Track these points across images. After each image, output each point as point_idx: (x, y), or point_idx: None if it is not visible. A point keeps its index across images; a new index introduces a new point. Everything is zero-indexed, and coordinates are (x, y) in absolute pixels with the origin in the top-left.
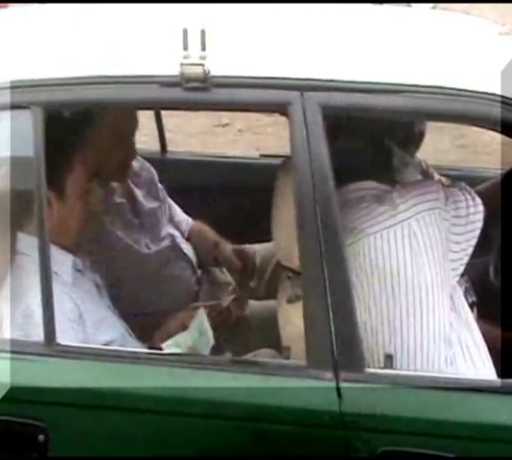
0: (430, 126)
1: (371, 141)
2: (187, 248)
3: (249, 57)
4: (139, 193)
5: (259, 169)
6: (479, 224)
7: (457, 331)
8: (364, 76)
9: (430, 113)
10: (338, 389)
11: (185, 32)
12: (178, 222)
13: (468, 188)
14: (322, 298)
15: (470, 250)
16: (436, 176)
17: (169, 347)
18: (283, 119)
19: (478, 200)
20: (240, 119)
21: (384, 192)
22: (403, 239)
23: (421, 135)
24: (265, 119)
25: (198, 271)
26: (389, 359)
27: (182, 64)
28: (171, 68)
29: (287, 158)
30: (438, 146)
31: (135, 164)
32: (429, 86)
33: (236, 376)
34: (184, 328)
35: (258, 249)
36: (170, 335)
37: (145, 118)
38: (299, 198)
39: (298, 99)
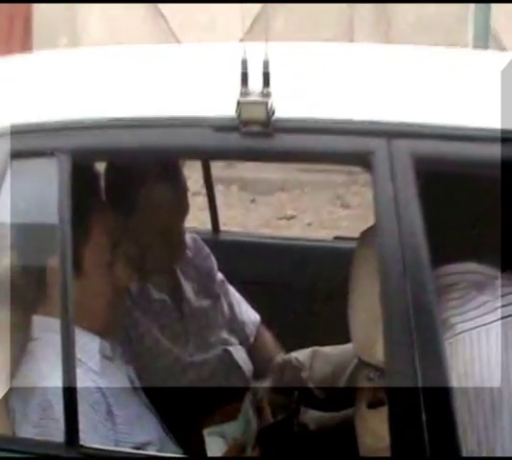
0: None
1: (474, 207)
2: (243, 359)
3: (321, 97)
4: (189, 287)
5: (332, 254)
6: None
7: None
8: (466, 120)
9: None
10: None
11: (244, 62)
12: (242, 324)
13: None
14: (413, 401)
15: None
16: None
17: (211, 435)
18: (360, 211)
19: None
20: (309, 211)
21: (486, 277)
22: (506, 340)
23: None
24: (339, 211)
25: (253, 385)
26: None
27: (240, 103)
28: (225, 108)
29: (366, 229)
30: None
31: (189, 251)
32: None
33: None
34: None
35: (332, 353)
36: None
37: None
38: (384, 275)
39: (384, 147)
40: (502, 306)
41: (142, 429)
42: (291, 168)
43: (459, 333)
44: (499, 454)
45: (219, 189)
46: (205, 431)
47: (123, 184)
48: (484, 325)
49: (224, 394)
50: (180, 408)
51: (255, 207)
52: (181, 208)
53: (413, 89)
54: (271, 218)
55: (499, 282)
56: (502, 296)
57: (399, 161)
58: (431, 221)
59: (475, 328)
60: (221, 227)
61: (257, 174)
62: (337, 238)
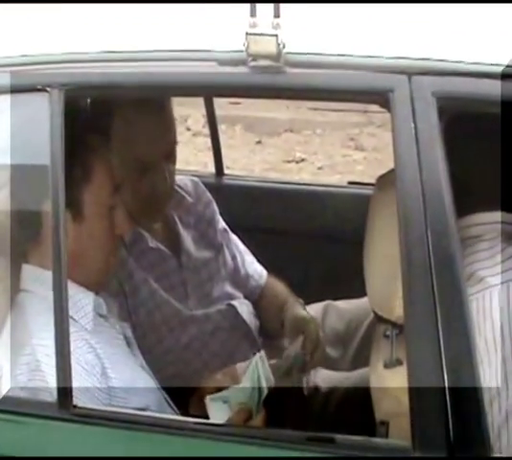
0: None
1: (502, 151)
2: (248, 314)
3: (336, 30)
4: (188, 236)
5: (346, 200)
6: None
7: None
8: (494, 56)
9: None
10: None
11: None
12: (246, 277)
13: None
14: (434, 360)
15: None
16: None
17: (214, 401)
18: (376, 155)
19: None
20: (320, 153)
21: None
22: None
23: None
24: (353, 154)
25: (260, 342)
26: None
27: (248, 34)
28: (232, 41)
29: (385, 173)
30: None
31: (189, 197)
32: None
33: (313, 457)
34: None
35: (346, 308)
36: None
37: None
38: (404, 223)
39: (405, 84)
40: None
41: (138, 393)
42: (301, 107)
43: (488, 288)
44: None
45: (221, 129)
46: (207, 398)
47: (97, 112)
48: None
49: (229, 352)
50: (180, 368)
51: (261, 149)
52: (161, 141)
53: (437, 23)
54: (279, 161)
55: None
56: None
57: (420, 100)
58: (456, 166)
59: (504, 282)
60: (224, 171)
61: (264, 113)
62: (351, 183)
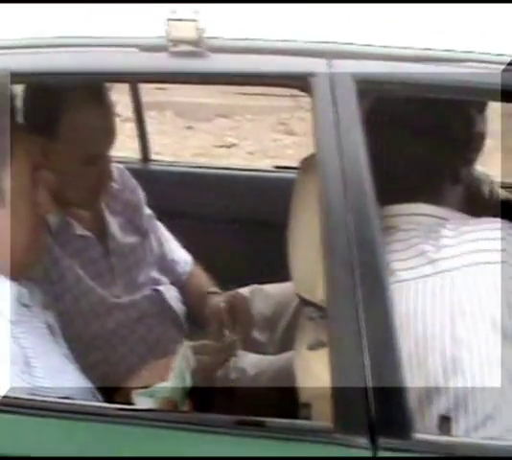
0: None
1: (422, 138)
2: (174, 299)
3: (256, 15)
4: (114, 222)
5: (273, 185)
6: None
7: None
8: (414, 41)
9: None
10: None
11: None
12: (172, 263)
13: None
14: (355, 341)
15: None
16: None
17: (140, 397)
18: (306, 139)
19: None
20: (250, 138)
21: (436, 218)
22: (442, 296)
23: (482, 136)
24: (283, 138)
25: (187, 328)
26: (446, 422)
27: (169, 20)
28: (152, 27)
29: (308, 156)
30: None
31: (115, 184)
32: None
33: (240, 440)
34: (162, 379)
35: (272, 292)
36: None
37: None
38: (325, 207)
39: (324, 69)
40: (440, 259)
41: (62, 382)
42: (232, 92)
43: (398, 282)
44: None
45: (151, 115)
46: (134, 394)
47: (44, 106)
48: (422, 277)
49: (156, 338)
50: (107, 354)
51: (192, 134)
52: (107, 135)
53: (356, 8)
54: (210, 146)
55: (443, 231)
56: (442, 247)
57: (340, 84)
58: (377, 154)
59: (413, 279)
60: (154, 156)
61: (194, 99)
62: (277, 167)
